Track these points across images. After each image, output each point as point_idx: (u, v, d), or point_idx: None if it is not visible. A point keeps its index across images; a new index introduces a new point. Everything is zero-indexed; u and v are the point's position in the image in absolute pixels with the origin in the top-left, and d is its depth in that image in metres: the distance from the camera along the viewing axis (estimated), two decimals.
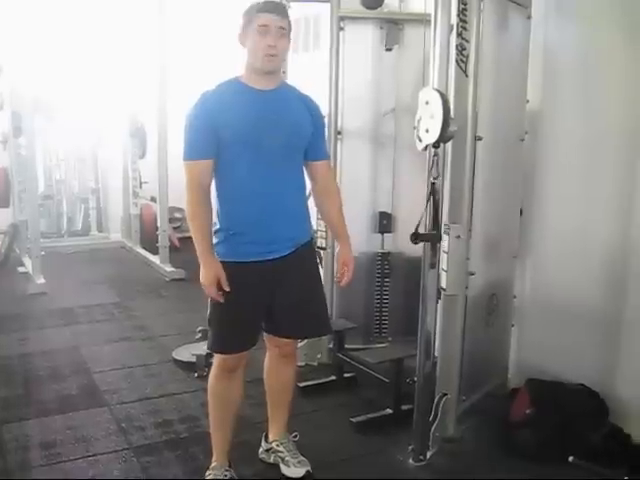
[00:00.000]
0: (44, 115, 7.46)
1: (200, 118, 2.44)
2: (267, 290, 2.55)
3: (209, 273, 2.45)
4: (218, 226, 2.53)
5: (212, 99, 2.48)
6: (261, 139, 2.43)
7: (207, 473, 2.71)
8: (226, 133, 2.42)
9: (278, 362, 2.81)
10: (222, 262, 2.48)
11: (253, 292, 2.53)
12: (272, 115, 2.46)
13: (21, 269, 6.75)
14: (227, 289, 2.45)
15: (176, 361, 4.11)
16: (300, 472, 2.76)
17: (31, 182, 6.43)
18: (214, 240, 2.52)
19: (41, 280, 6.07)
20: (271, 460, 2.88)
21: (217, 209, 2.54)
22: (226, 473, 2.70)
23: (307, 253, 2.66)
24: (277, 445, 2.86)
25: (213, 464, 2.73)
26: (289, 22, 2.45)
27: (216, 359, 2.68)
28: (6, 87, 6.39)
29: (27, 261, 6.62)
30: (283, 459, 2.82)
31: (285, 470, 2.80)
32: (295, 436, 2.91)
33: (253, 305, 2.56)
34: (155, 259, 7.11)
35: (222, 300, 2.47)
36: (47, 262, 6.42)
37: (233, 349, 2.59)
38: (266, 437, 2.94)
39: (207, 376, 3.79)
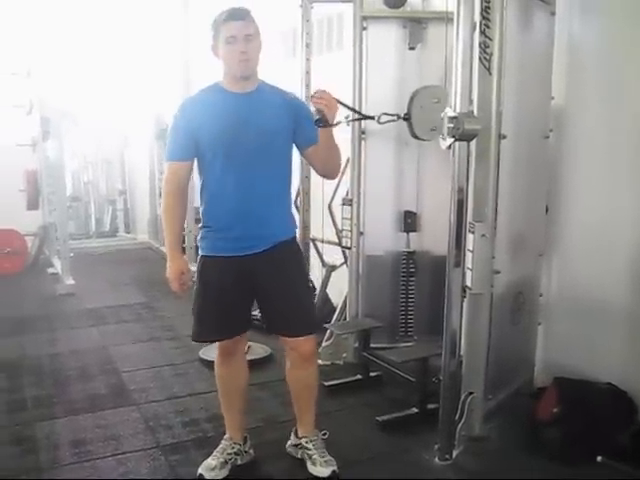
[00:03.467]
0: (72, 119, 7.56)
1: (180, 121, 2.63)
2: (245, 284, 2.65)
3: (172, 267, 2.67)
4: (202, 223, 2.69)
5: (192, 103, 2.69)
6: (233, 141, 2.56)
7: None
8: (202, 136, 2.59)
9: (296, 363, 2.83)
10: (203, 256, 2.70)
11: (230, 285, 2.65)
12: (244, 118, 2.55)
13: (51, 270, 6.86)
14: (189, 284, 2.68)
15: (203, 360, 4.15)
16: (326, 472, 2.76)
17: (60, 185, 6.53)
18: (199, 236, 2.71)
19: (70, 281, 6.17)
20: (298, 455, 2.91)
21: (201, 207, 2.70)
22: (234, 446, 2.84)
23: (286, 250, 2.70)
24: (306, 442, 2.87)
25: (225, 437, 2.88)
26: (255, 26, 2.55)
27: (217, 345, 2.83)
28: (34, 92, 6.50)
29: (56, 262, 6.74)
30: (310, 457, 2.83)
31: (311, 468, 2.81)
32: (325, 434, 2.92)
33: (231, 297, 2.66)
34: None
35: (183, 294, 2.69)
36: (76, 263, 6.51)
37: (216, 336, 2.76)
38: (296, 432, 2.95)
39: None
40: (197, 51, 6.89)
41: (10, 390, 3.77)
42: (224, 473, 2.78)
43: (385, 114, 2.71)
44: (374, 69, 3.91)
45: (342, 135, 3.87)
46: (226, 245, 2.64)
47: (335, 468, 2.77)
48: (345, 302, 4.24)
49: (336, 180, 4.23)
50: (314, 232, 4.31)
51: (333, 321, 4.32)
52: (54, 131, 6.30)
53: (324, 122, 2.44)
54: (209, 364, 4.06)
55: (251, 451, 2.94)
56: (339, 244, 4.28)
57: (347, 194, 4.04)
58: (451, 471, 2.84)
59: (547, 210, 3.49)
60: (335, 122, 2.49)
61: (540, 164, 3.41)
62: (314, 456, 2.82)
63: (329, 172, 2.81)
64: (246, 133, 2.54)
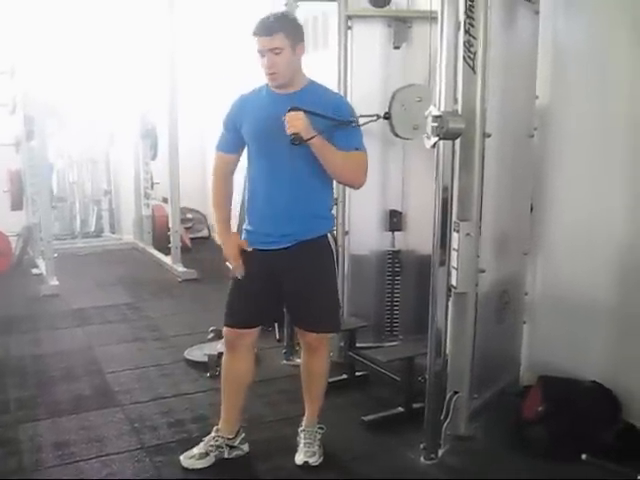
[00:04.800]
0: (56, 118, 7.50)
1: (229, 117, 2.80)
2: (272, 278, 2.75)
3: (227, 246, 2.81)
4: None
5: (240, 100, 2.81)
6: (269, 140, 2.64)
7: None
8: (244, 133, 2.73)
9: (307, 354, 2.95)
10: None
11: (257, 277, 2.76)
12: (282, 115, 2.54)
13: (35, 271, 6.80)
14: (247, 249, 2.76)
15: (188, 361, 4.13)
16: (300, 459, 2.86)
17: (44, 185, 6.47)
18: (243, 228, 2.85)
19: (54, 281, 6.11)
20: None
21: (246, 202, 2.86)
22: (218, 438, 2.89)
23: (314, 249, 2.75)
24: (301, 432, 2.95)
25: (215, 428, 2.92)
26: (282, 37, 2.57)
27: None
28: (18, 91, 6.45)
29: (41, 263, 6.68)
30: (299, 446, 2.92)
31: (296, 456, 2.89)
32: (321, 427, 2.96)
33: (256, 288, 2.77)
34: (167, 260, 7.14)
35: (241, 275, 2.77)
36: (60, 264, 6.46)
37: (232, 323, 2.82)
38: None
39: (219, 376, 3.85)
40: (183, 49, 6.89)
41: None
42: (203, 463, 2.84)
43: (363, 116, 2.71)
44: (359, 68, 3.91)
45: None
46: (258, 239, 2.76)
47: (311, 460, 2.84)
48: None
49: None
50: None
51: None
52: (38, 130, 6.25)
53: (298, 140, 2.48)
54: (195, 365, 4.06)
55: (244, 447, 2.96)
56: None
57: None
58: (436, 470, 2.84)
59: (532, 209, 3.50)
60: (309, 137, 2.49)
61: (525, 163, 3.42)
62: (300, 445, 2.91)
63: (342, 183, 3.10)
64: (282, 133, 2.53)
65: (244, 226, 2.84)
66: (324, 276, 2.80)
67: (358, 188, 2.79)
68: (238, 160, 2.85)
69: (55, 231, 7.34)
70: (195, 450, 2.88)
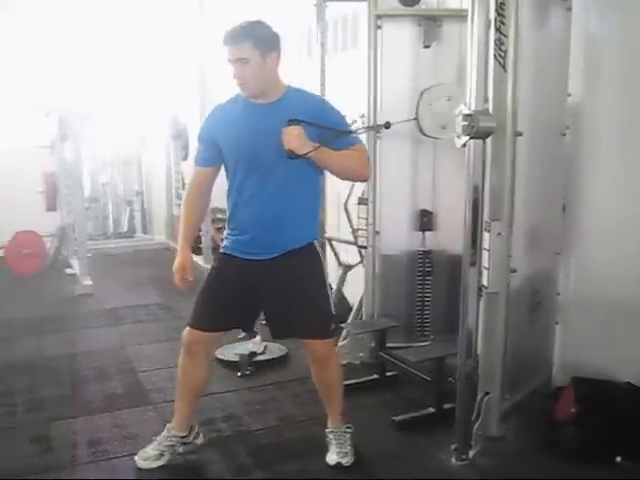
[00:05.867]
0: (90, 121, 7.61)
1: (205, 131, 2.77)
2: (250, 288, 2.71)
3: (177, 261, 2.81)
4: (227, 225, 2.82)
5: (216, 113, 2.77)
6: (250, 152, 2.60)
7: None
8: (222, 145, 2.69)
9: (316, 366, 2.91)
10: (222, 252, 2.80)
11: (234, 284, 2.74)
12: (262, 129, 2.56)
13: (68, 271, 6.91)
14: (190, 280, 2.80)
15: (219, 360, 4.14)
16: (332, 460, 2.86)
17: (77, 186, 6.57)
18: (224, 235, 2.82)
19: (88, 281, 6.21)
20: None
21: (227, 210, 2.82)
22: (171, 439, 2.90)
23: (300, 257, 2.71)
24: (329, 432, 2.95)
25: (167, 426, 2.94)
26: (250, 47, 2.51)
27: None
28: (53, 94, 6.55)
29: (74, 263, 6.79)
30: (330, 446, 2.92)
31: (327, 456, 2.90)
32: (349, 427, 2.96)
33: (231, 294, 2.74)
34: (198, 260, 7.18)
35: (183, 289, 2.83)
36: (93, 264, 6.56)
37: (196, 325, 2.80)
38: None
39: (250, 375, 3.88)
40: (213, 52, 6.93)
41: (28, 390, 3.79)
42: (157, 463, 2.87)
43: (387, 123, 2.72)
44: (389, 68, 3.89)
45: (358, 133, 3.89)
46: (241, 248, 2.71)
47: (343, 461, 2.84)
48: (361, 302, 4.23)
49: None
50: (330, 231, 4.30)
51: (349, 321, 4.31)
52: (72, 133, 6.35)
53: (293, 155, 2.47)
54: (226, 364, 4.08)
55: (197, 441, 3.00)
56: (355, 243, 4.27)
57: (363, 193, 4.03)
58: (468, 471, 2.82)
59: (564, 208, 3.45)
60: (305, 152, 2.48)
61: (557, 161, 3.38)
62: (332, 446, 2.91)
63: (346, 179, 2.98)
64: (264, 144, 2.55)
65: (226, 232, 2.81)
66: (312, 281, 2.75)
67: (364, 182, 2.81)
68: (218, 172, 2.80)
69: (88, 231, 7.44)
70: (150, 451, 2.89)
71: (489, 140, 2.71)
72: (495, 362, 2.91)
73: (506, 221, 2.79)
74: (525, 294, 3.17)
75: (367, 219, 3.98)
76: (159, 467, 2.86)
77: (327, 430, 2.95)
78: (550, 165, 3.32)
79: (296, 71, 5.25)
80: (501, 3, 2.63)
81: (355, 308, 4.36)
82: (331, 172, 2.69)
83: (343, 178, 2.83)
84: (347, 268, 4.62)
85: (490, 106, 2.69)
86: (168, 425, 2.94)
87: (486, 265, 2.75)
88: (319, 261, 2.77)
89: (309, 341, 2.80)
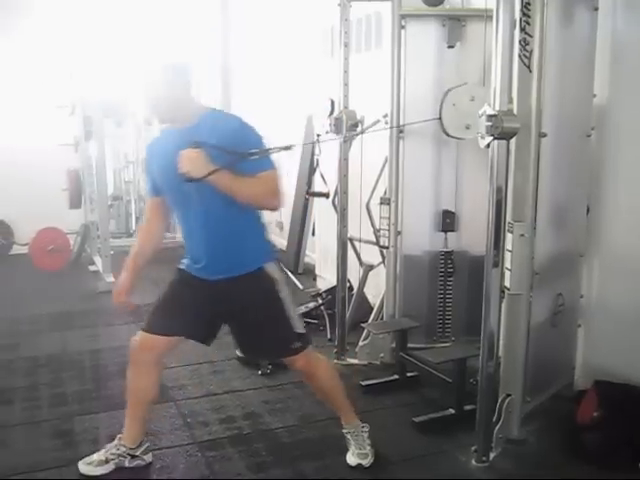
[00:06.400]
0: (113, 119, 7.67)
1: (145, 163, 2.89)
2: (205, 301, 2.70)
3: (123, 281, 2.95)
4: None
5: (150, 145, 2.85)
6: (172, 180, 2.53)
7: None
8: (154, 175, 2.74)
9: (304, 377, 3.00)
10: (180, 268, 2.82)
11: (189, 293, 2.75)
12: (177, 156, 2.44)
13: (92, 267, 6.97)
14: (127, 302, 2.95)
15: (240, 359, 4.16)
16: (353, 462, 2.86)
17: (101, 184, 6.61)
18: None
19: (110, 278, 6.24)
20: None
21: None
22: (120, 447, 2.86)
23: (249, 283, 2.66)
24: (346, 433, 2.95)
25: (119, 435, 2.90)
26: (159, 74, 2.61)
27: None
28: (77, 93, 6.62)
29: (97, 260, 6.84)
30: (349, 447, 2.92)
31: (347, 457, 2.90)
32: (364, 427, 2.96)
33: (185, 303, 2.74)
34: None
35: (122, 306, 2.97)
36: (116, 261, 6.59)
37: (147, 327, 2.80)
38: None
39: (270, 374, 3.88)
40: (235, 52, 6.96)
41: (52, 384, 3.84)
42: (100, 470, 2.82)
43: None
44: (412, 68, 3.88)
45: (381, 133, 3.89)
46: (195, 271, 2.72)
47: (364, 462, 2.85)
48: (382, 302, 4.22)
49: (374, 179, 4.24)
50: (352, 231, 4.29)
51: (370, 321, 4.31)
52: (96, 131, 6.40)
53: (189, 179, 2.41)
54: (246, 362, 4.09)
55: (146, 457, 2.91)
56: (377, 243, 4.26)
57: (385, 193, 4.02)
58: (488, 473, 2.81)
59: (588, 210, 3.42)
60: (201, 176, 2.38)
61: (581, 163, 3.35)
62: (352, 447, 2.91)
63: (255, 206, 2.64)
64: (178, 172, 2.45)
65: (184, 255, 2.82)
66: (264, 304, 2.70)
67: (275, 210, 2.65)
68: (161, 203, 2.78)
69: (111, 229, 7.49)
70: (95, 456, 2.85)
71: (513, 141, 2.69)
72: (517, 364, 2.90)
73: (529, 222, 2.77)
74: (548, 296, 3.15)
75: (389, 219, 3.97)
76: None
77: (344, 431, 2.95)
78: (574, 166, 3.30)
79: (318, 70, 5.26)
80: (527, 3, 2.62)
81: (376, 308, 4.35)
82: (238, 199, 2.49)
83: (252, 205, 2.59)
84: (369, 268, 4.62)
85: (515, 107, 2.68)
86: (119, 435, 2.90)
87: (509, 266, 2.74)
88: (271, 285, 2.67)
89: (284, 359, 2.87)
